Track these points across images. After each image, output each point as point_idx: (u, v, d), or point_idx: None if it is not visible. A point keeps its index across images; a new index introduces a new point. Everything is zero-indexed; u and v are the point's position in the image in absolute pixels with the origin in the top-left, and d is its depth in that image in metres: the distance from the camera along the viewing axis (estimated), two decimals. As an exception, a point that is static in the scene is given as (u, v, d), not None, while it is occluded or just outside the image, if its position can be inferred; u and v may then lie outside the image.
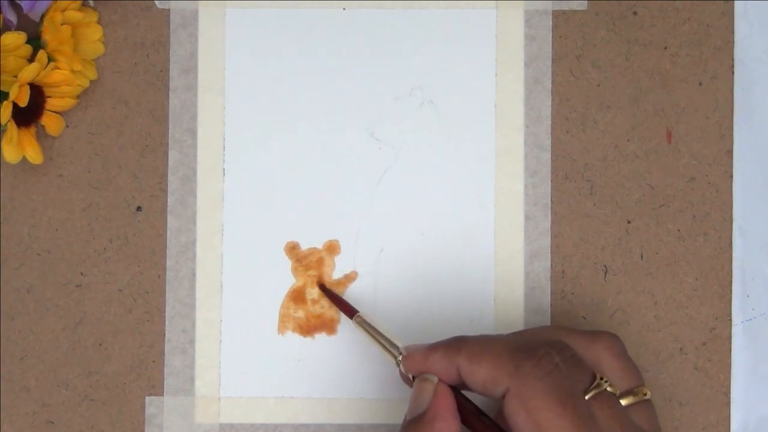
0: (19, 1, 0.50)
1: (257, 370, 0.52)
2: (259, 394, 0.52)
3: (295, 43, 0.53)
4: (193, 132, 0.53)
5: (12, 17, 0.51)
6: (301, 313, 0.53)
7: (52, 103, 0.51)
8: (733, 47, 0.53)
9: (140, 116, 0.53)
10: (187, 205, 0.53)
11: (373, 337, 0.48)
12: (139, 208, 0.53)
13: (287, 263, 0.53)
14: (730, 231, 0.53)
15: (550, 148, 0.53)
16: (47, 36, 0.50)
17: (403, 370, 0.46)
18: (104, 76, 0.53)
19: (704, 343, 0.52)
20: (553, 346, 0.43)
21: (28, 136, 0.51)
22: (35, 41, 0.50)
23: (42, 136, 0.53)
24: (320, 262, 0.53)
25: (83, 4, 0.52)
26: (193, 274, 0.53)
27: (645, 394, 0.44)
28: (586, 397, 0.42)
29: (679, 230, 0.53)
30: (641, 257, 0.53)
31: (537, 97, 0.53)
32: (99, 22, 0.53)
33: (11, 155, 0.50)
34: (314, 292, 0.53)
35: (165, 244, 0.53)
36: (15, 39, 0.49)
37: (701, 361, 0.52)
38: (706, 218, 0.53)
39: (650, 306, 0.52)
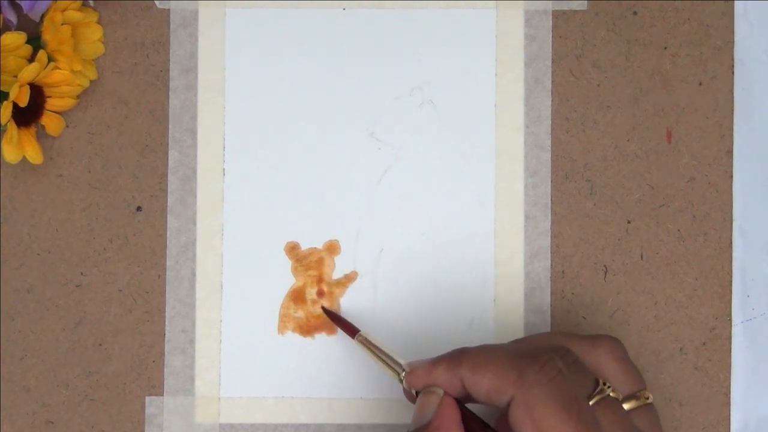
0: (19, 1, 0.50)
1: (257, 370, 0.52)
2: (259, 394, 0.52)
3: (295, 43, 0.53)
4: (193, 132, 0.53)
5: (12, 17, 0.51)
6: (301, 313, 0.53)
7: (52, 103, 0.51)
8: (733, 47, 0.53)
9: (140, 116, 0.53)
10: (187, 205, 0.53)
11: (376, 355, 0.48)
12: (139, 208, 0.53)
13: (287, 263, 0.53)
14: (730, 231, 0.53)
15: (550, 148, 0.53)
16: (47, 36, 0.50)
17: (406, 386, 0.46)
18: (104, 76, 0.53)
19: (704, 343, 0.52)
20: (555, 351, 0.43)
21: (28, 136, 0.51)
22: (35, 41, 0.50)
23: (42, 136, 0.53)
24: (320, 262, 0.53)
25: (83, 4, 0.52)
26: (193, 274, 0.53)
27: (647, 398, 0.44)
28: (590, 403, 0.42)
29: (679, 230, 0.53)
30: (641, 257, 0.53)
31: (537, 97, 0.53)
32: (99, 22, 0.53)
33: (11, 155, 0.50)
34: (314, 292, 0.53)
35: (165, 244, 0.53)
36: (15, 39, 0.49)
37: (701, 361, 0.52)
38: (706, 218, 0.53)
39: (650, 306, 0.52)
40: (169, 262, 0.53)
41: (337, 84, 0.53)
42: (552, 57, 0.53)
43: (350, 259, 0.53)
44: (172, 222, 0.53)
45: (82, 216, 0.53)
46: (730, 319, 0.52)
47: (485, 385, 0.43)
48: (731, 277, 0.52)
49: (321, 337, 0.53)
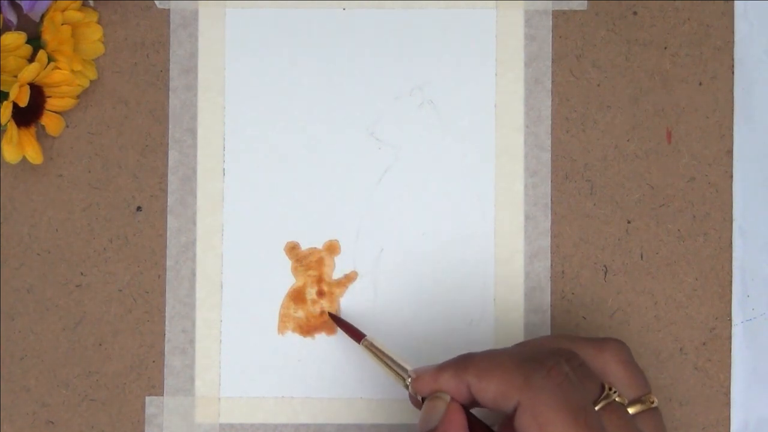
0: (19, 1, 0.50)
1: (257, 370, 0.52)
2: (259, 394, 0.52)
3: (295, 43, 0.53)
4: (193, 132, 0.53)
5: (12, 17, 0.51)
6: (301, 313, 0.53)
7: (52, 103, 0.51)
8: (733, 47, 0.53)
9: (140, 116, 0.53)
10: (187, 205, 0.53)
11: (382, 361, 0.48)
12: (139, 208, 0.53)
13: (287, 263, 0.53)
14: (730, 231, 0.53)
15: (550, 148, 0.53)
16: (47, 36, 0.50)
17: (412, 392, 0.46)
18: (104, 76, 0.53)
19: (704, 343, 0.52)
20: (561, 355, 0.43)
21: (28, 136, 0.51)
22: (35, 41, 0.50)
23: (42, 136, 0.53)
24: (320, 262, 0.53)
25: (83, 4, 0.52)
26: (193, 274, 0.53)
27: (652, 402, 0.44)
28: (596, 408, 0.42)
29: (679, 230, 0.53)
30: (641, 257, 0.53)
31: (537, 97, 0.53)
32: (99, 22, 0.53)
33: (11, 155, 0.50)
34: (314, 292, 0.53)
35: (165, 244, 0.53)
36: (15, 39, 0.49)
37: (701, 361, 0.52)
38: (706, 218, 0.53)
39: (650, 306, 0.52)
40: (169, 262, 0.53)
41: (337, 84, 0.53)
42: (552, 57, 0.53)
43: (350, 259, 0.53)
44: (172, 222, 0.53)
45: (82, 216, 0.53)
46: (730, 319, 0.52)
47: (492, 390, 0.43)
48: (731, 277, 0.52)
49: (321, 337, 0.53)
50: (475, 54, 0.53)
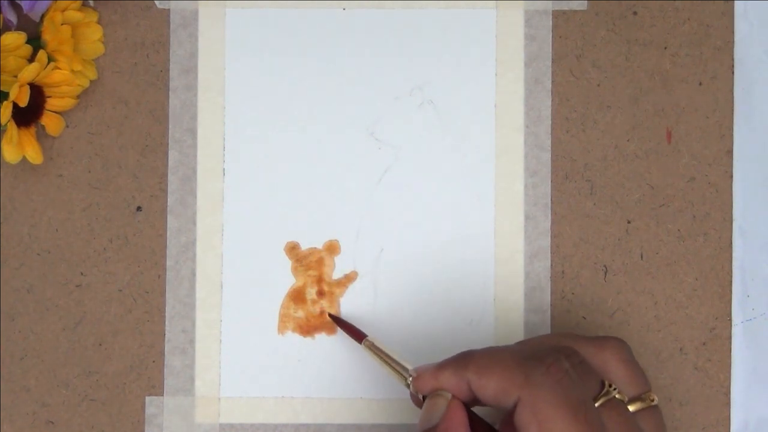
0: (19, 1, 0.50)
1: (257, 370, 0.52)
2: (259, 394, 0.52)
3: (295, 43, 0.53)
4: (193, 132, 0.53)
5: (12, 17, 0.51)
6: (301, 313, 0.53)
7: (52, 103, 0.51)
8: (733, 47, 0.53)
9: (140, 116, 0.53)
10: (187, 205, 0.53)
11: (383, 360, 0.48)
12: (139, 208, 0.53)
13: (287, 263, 0.53)
14: (730, 231, 0.53)
15: (550, 148, 0.53)
16: (47, 36, 0.50)
17: (413, 391, 0.46)
18: (104, 76, 0.53)
19: (704, 343, 0.52)
20: (561, 352, 0.43)
21: (28, 136, 0.51)
22: (35, 41, 0.50)
23: (42, 136, 0.53)
24: (320, 262, 0.53)
25: (83, 4, 0.52)
26: (193, 274, 0.53)
27: (652, 400, 0.44)
28: (596, 405, 0.42)
29: (679, 230, 0.53)
30: (641, 257, 0.53)
31: (537, 97, 0.53)
32: (99, 22, 0.53)
33: (11, 155, 0.50)
34: (314, 292, 0.53)
35: (165, 244, 0.53)
36: (15, 39, 0.49)
37: (701, 361, 0.52)
38: (706, 218, 0.53)
39: (650, 306, 0.52)
40: (169, 262, 0.53)
41: (337, 84, 0.53)
42: (552, 57, 0.53)
43: (350, 259, 0.53)
44: (172, 222, 0.53)
45: (82, 216, 0.53)
46: (730, 319, 0.52)
47: (492, 387, 0.43)
48: (731, 277, 0.52)
49: (321, 337, 0.53)
50: (475, 54, 0.53)
